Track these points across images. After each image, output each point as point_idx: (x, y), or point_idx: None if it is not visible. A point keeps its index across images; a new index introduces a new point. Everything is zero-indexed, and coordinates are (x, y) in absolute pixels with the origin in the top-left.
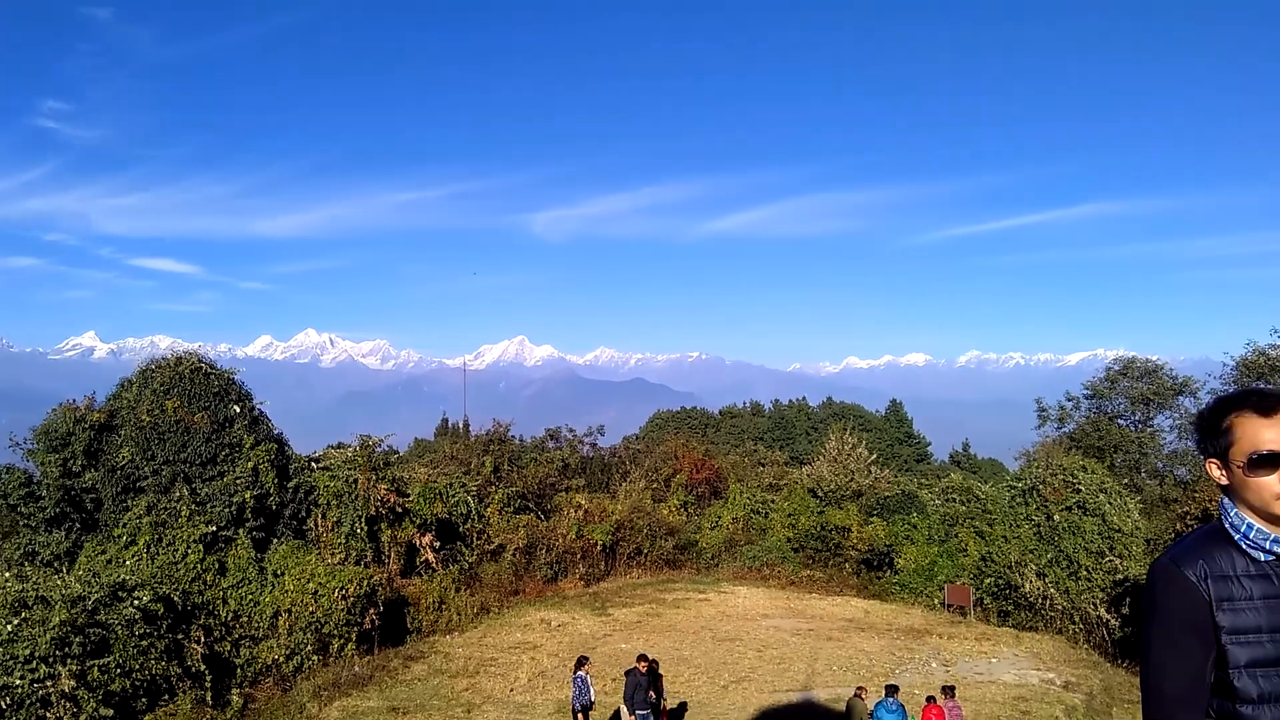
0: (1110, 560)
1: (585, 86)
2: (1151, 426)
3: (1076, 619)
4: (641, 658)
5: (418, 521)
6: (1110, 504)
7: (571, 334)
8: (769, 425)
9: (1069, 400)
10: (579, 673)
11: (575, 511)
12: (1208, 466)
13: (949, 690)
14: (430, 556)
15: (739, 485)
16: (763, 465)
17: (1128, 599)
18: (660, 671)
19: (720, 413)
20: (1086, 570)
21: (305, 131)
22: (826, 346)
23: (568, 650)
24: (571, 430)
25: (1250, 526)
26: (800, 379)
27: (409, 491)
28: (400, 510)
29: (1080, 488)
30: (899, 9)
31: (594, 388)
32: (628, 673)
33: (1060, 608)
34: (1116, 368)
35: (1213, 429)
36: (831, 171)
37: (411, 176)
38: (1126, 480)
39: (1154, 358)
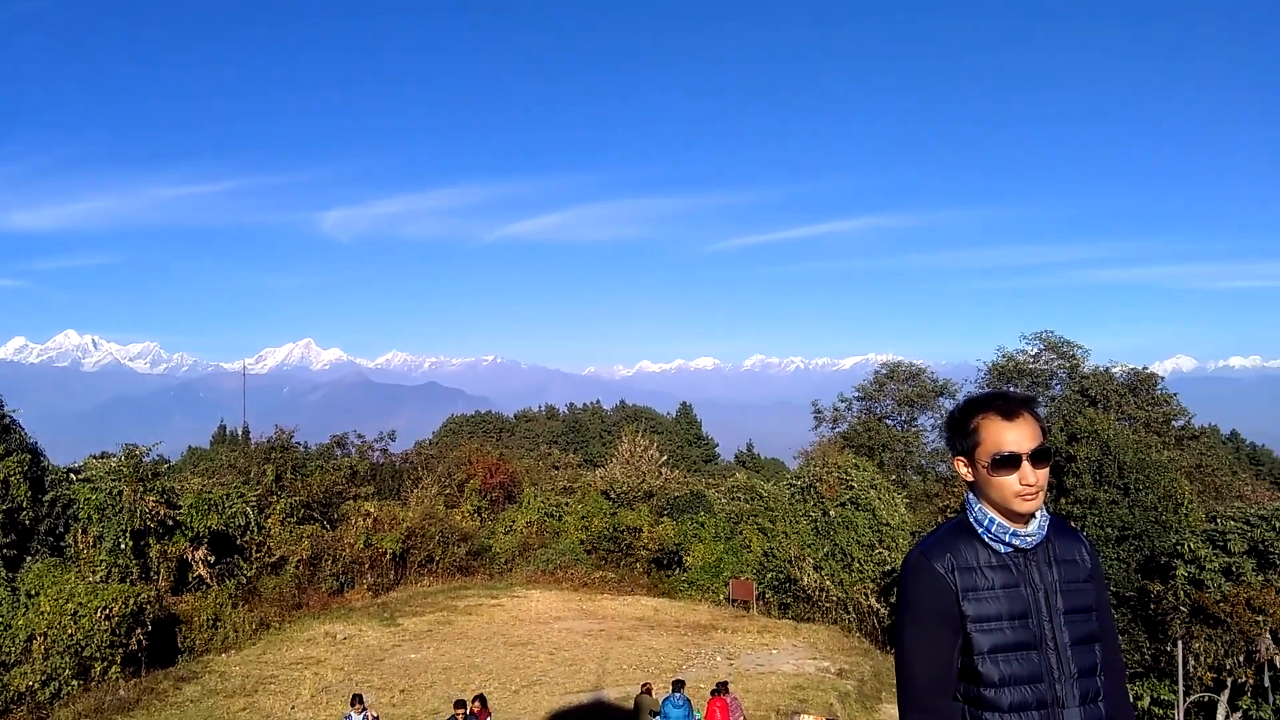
0: (880, 552)
1: (378, 84)
2: (915, 426)
3: (850, 609)
4: (478, 699)
5: (190, 535)
6: (880, 499)
7: (362, 337)
8: (564, 429)
9: (842, 402)
10: (352, 714)
11: (363, 520)
12: (955, 464)
13: (722, 686)
14: (204, 571)
15: (533, 489)
16: (557, 468)
17: (895, 588)
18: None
19: (516, 416)
20: (859, 562)
21: (64, 119)
22: (621, 350)
23: (354, 664)
24: (361, 436)
25: (992, 521)
26: (595, 382)
27: (181, 503)
28: (171, 523)
29: (853, 484)
30: (694, 18)
31: (386, 392)
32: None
33: (835, 599)
34: (884, 371)
35: (961, 429)
36: (626, 178)
37: (186, 170)
38: (894, 477)
39: (918, 362)
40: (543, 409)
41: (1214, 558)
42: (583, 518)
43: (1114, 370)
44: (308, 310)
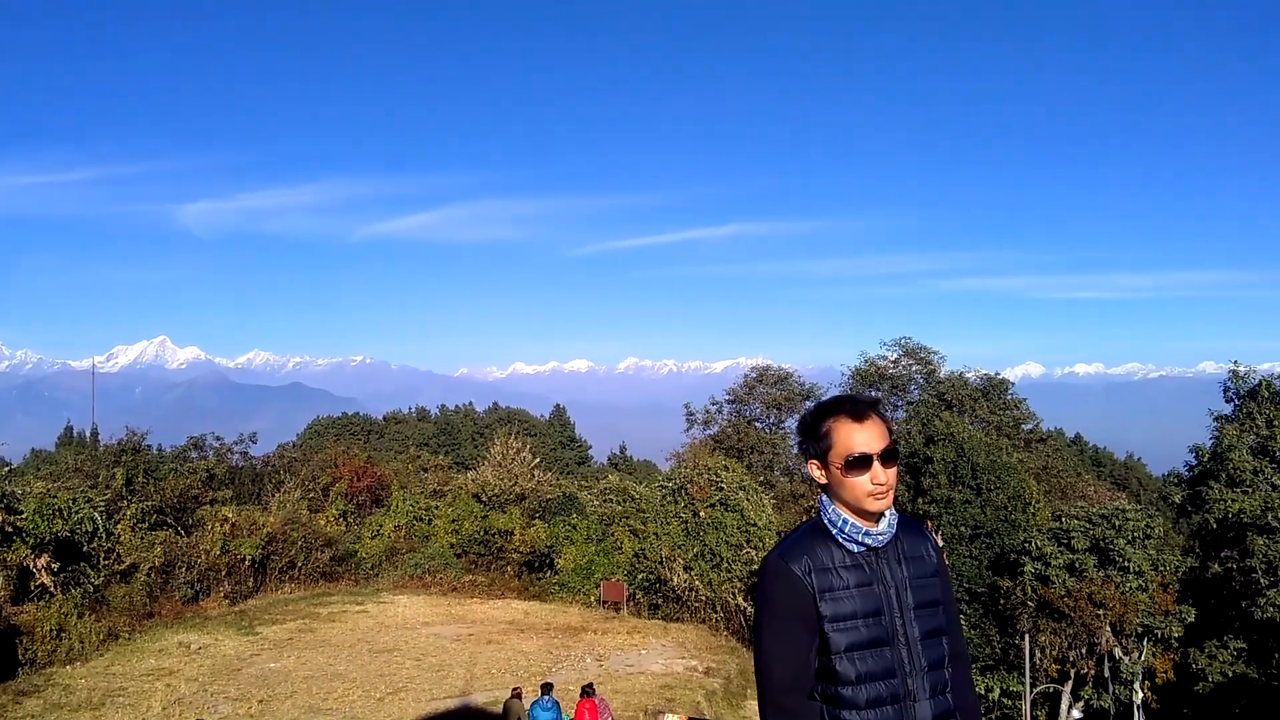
0: (747, 552)
1: (245, 73)
2: (783, 429)
3: (718, 608)
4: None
5: (31, 542)
6: (748, 500)
7: (221, 335)
8: (435, 431)
9: (713, 405)
10: None
11: (221, 525)
12: (809, 467)
13: (589, 688)
14: (47, 580)
15: (402, 492)
16: (427, 471)
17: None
18: None
19: (385, 418)
20: (727, 562)
21: None
22: (494, 352)
23: (209, 674)
24: (219, 438)
25: (845, 521)
26: (468, 384)
27: (22, 509)
28: (10, 530)
29: (723, 486)
30: (564, 18)
31: (247, 393)
32: None
33: (704, 598)
34: (753, 375)
35: (813, 433)
36: (501, 179)
37: (31, 158)
38: (762, 478)
39: (786, 366)
40: (413, 411)
41: (1059, 555)
42: (453, 521)
43: (968, 376)
44: (163, 307)
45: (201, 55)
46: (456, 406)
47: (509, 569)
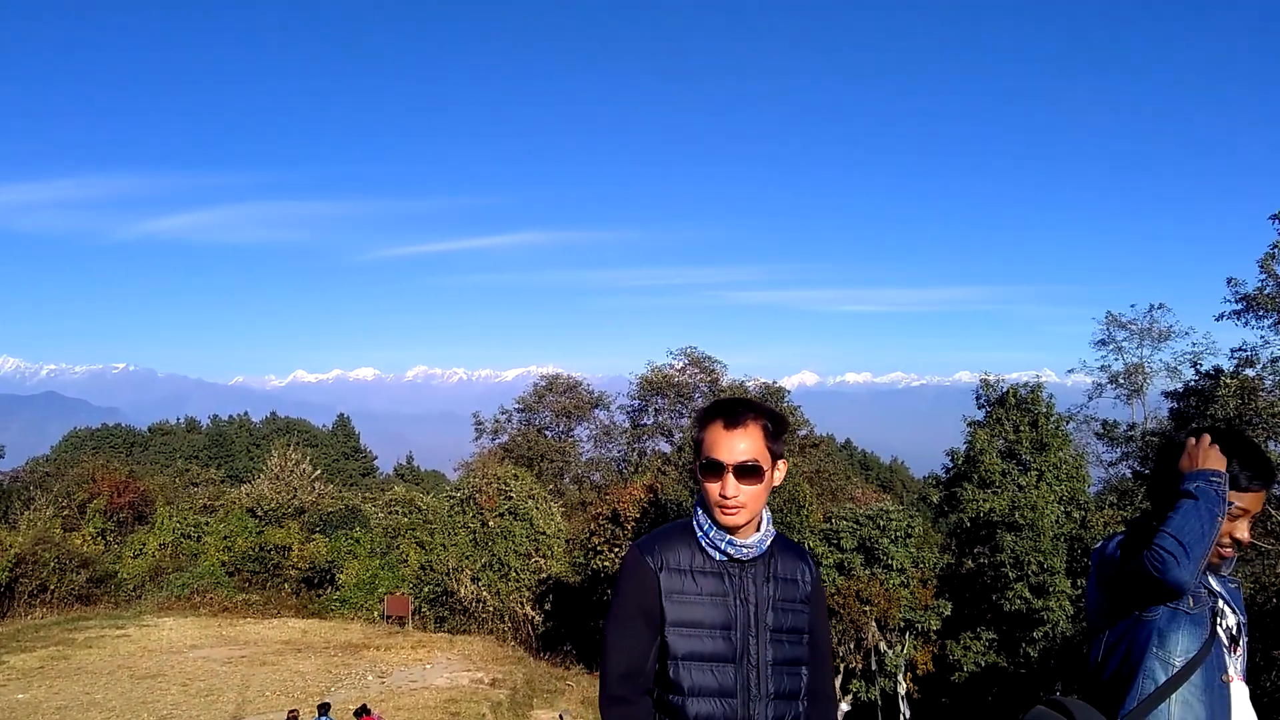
0: (536, 561)
1: None
2: (572, 437)
3: (506, 618)
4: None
5: None
6: (537, 509)
7: None
8: (206, 443)
9: (503, 413)
10: None
11: None
12: (696, 466)
13: (363, 709)
14: None
15: (168, 508)
16: (196, 485)
17: (550, 596)
18: None
19: (150, 430)
20: (515, 571)
21: None
22: (274, 359)
23: None
24: None
25: (711, 526)
26: (244, 393)
27: None
28: None
29: (512, 495)
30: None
31: None
32: None
33: (492, 608)
34: (543, 383)
35: (697, 429)
36: (280, 179)
37: None
38: (551, 486)
39: (576, 374)
40: (182, 421)
41: (829, 554)
42: (225, 538)
43: (749, 384)
44: None
45: None
46: (230, 417)
47: (286, 586)
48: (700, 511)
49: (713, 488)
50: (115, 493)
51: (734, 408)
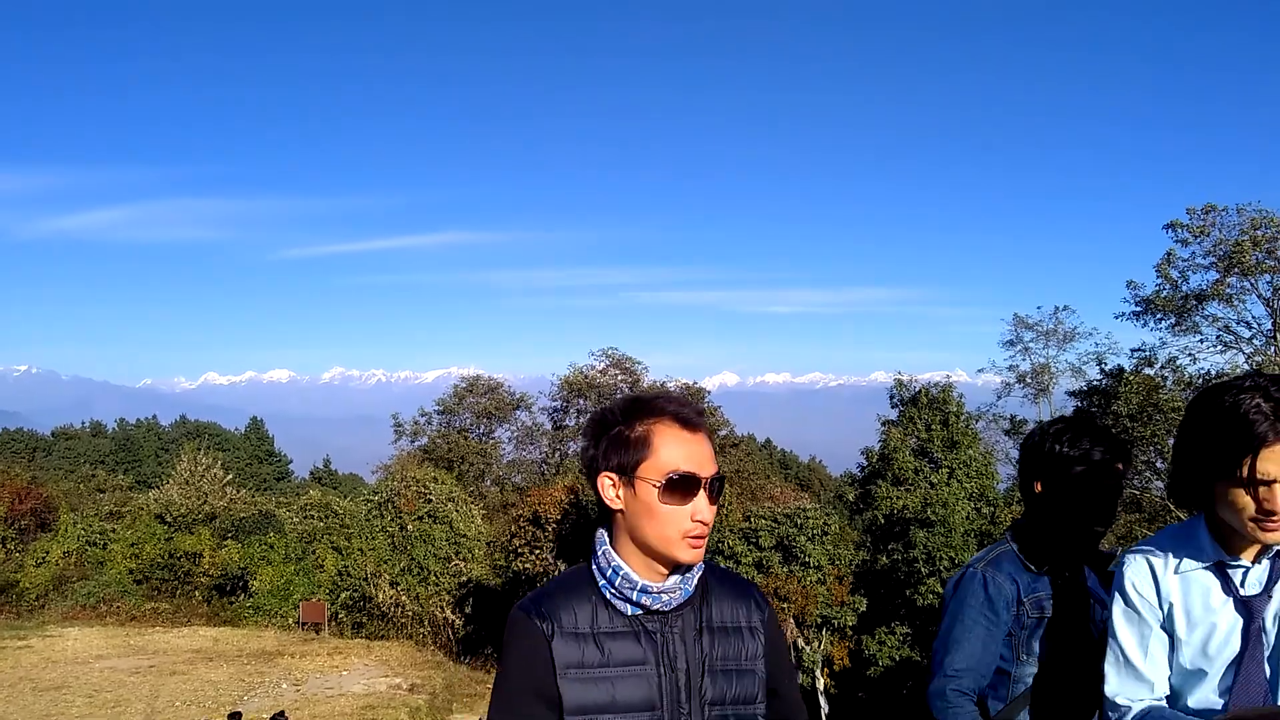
0: (456, 564)
1: None
2: (493, 438)
3: (425, 622)
4: None
5: None
6: (457, 511)
7: None
8: (113, 447)
9: (423, 415)
10: None
11: None
12: (600, 482)
13: (279, 716)
14: None
15: (72, 515)
16: (103, 491)
17: (470, 599)
18: None
19: (53, 434)
20: (435, 575)
21: None
22: (183, 361)
23: None
24: None
25: (618, 571)
26: (152, 396)
27: None
28: None
29: (431, 498)
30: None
31: None
32: None
33: (411, 613)
34: (464, 385)
35: (620, 438)
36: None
37: None
38: (472, 488)
39: (498, 376)
40: (87, 425)
41: (749, 553)
42: (133, 545)
43: (670, 384)
44: None
45: None
46: (138, 420)
47: (197, 594)
48: (602, 549)
49: (678, 512)
50: (16, 499)
51: (682, 404)
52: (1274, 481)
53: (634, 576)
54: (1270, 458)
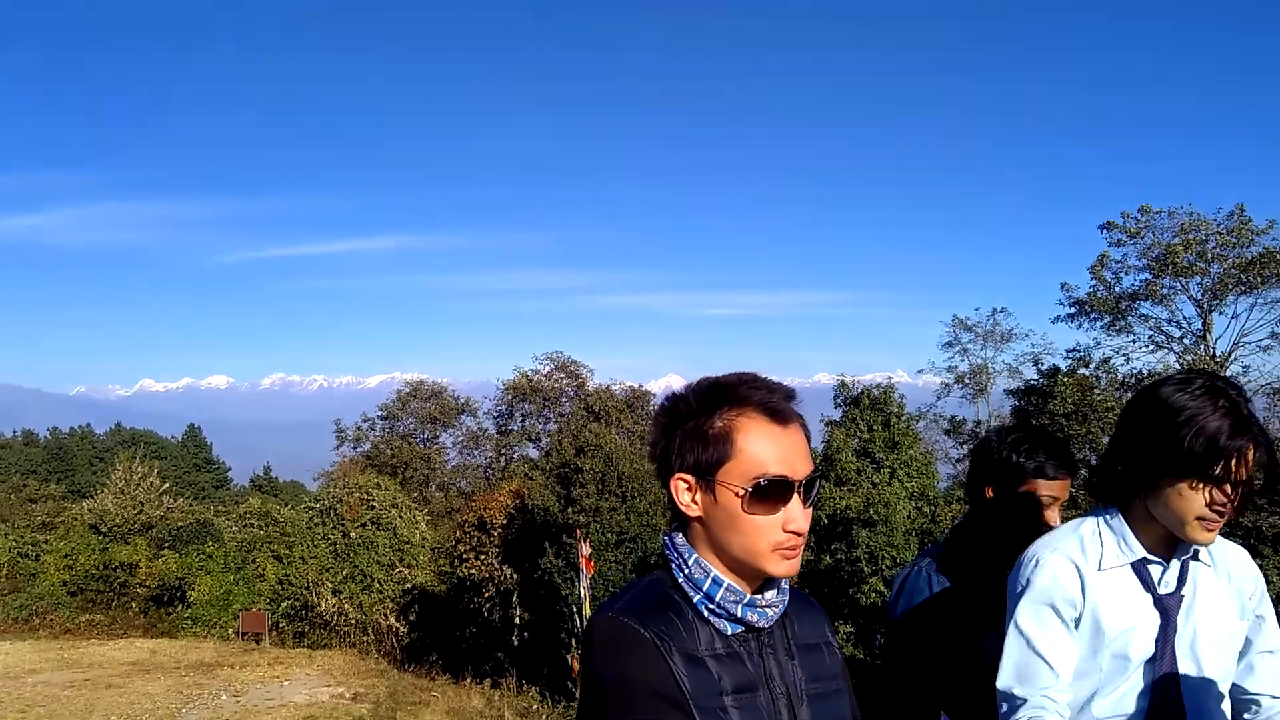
0: (400, 571)
1: None
2: (438, 444)
3: (369, 630)
4: None
5: None
6: (401, 518)
7: None
8: (45, 456)
9: (365, 421)
10: None
11: None
12: (674, 485)
13: None
14: None
15: (3, 526)
16: (34, 502)
17: (415, 606)
18: None
19: None
20: (379, 582)
21: None
22: (118, 368)
23: None
24: None
25: (719, 583)
26: (86, 403)
27: None
28: None
29: (375, 504)
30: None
31: None
32: None
33: (354, 621)
34: (408, 390)
35: (699, 431)
36: (122, 179)
37: None
38: (416, 494)
39: (442, 380)
40: (18, 434)
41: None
42: (66, 556)
43: (615, 388)
44: None
45: None
46: (71, 429)
47: (134, 605)
48: (691, 560)
49: (768, 522)
50: None
51: (775, 393)
52: (1241, 483)
53: (739, 589)
54: (1248, 458)
